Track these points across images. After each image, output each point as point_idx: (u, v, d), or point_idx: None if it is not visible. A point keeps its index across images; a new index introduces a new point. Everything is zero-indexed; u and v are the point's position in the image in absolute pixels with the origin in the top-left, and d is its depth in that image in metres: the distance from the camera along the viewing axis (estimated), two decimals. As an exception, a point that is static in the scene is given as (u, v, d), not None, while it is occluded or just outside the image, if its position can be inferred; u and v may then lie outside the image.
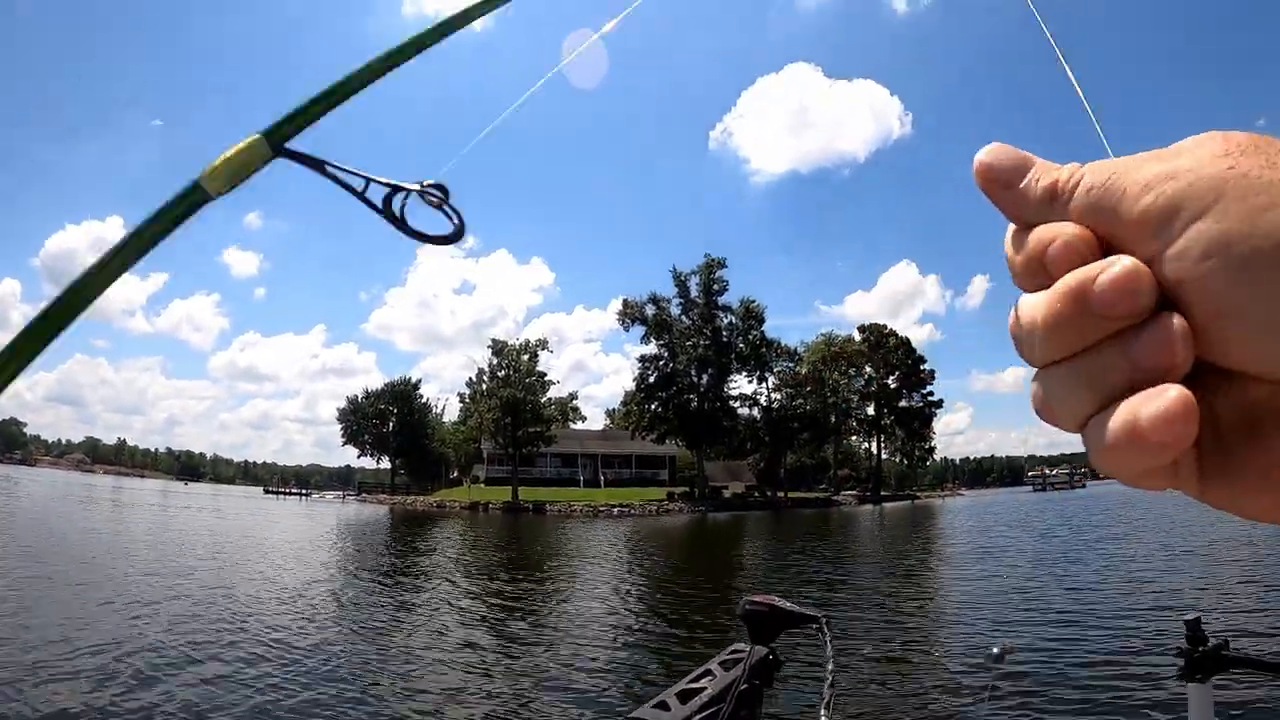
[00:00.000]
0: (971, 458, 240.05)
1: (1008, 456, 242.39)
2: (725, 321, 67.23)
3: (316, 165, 0.56)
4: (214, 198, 0.57)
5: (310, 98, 0.61)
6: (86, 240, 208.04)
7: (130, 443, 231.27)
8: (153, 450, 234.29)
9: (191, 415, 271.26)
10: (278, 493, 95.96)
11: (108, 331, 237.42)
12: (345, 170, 0.55)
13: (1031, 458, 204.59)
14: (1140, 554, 18.65)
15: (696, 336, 65.45)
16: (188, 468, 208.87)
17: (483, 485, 69.91)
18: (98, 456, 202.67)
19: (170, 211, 0.59)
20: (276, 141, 0.56)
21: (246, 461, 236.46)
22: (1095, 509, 41.36)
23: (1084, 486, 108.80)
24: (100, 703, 6.24)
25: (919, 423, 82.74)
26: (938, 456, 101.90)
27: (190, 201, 0.57)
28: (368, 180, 0.55)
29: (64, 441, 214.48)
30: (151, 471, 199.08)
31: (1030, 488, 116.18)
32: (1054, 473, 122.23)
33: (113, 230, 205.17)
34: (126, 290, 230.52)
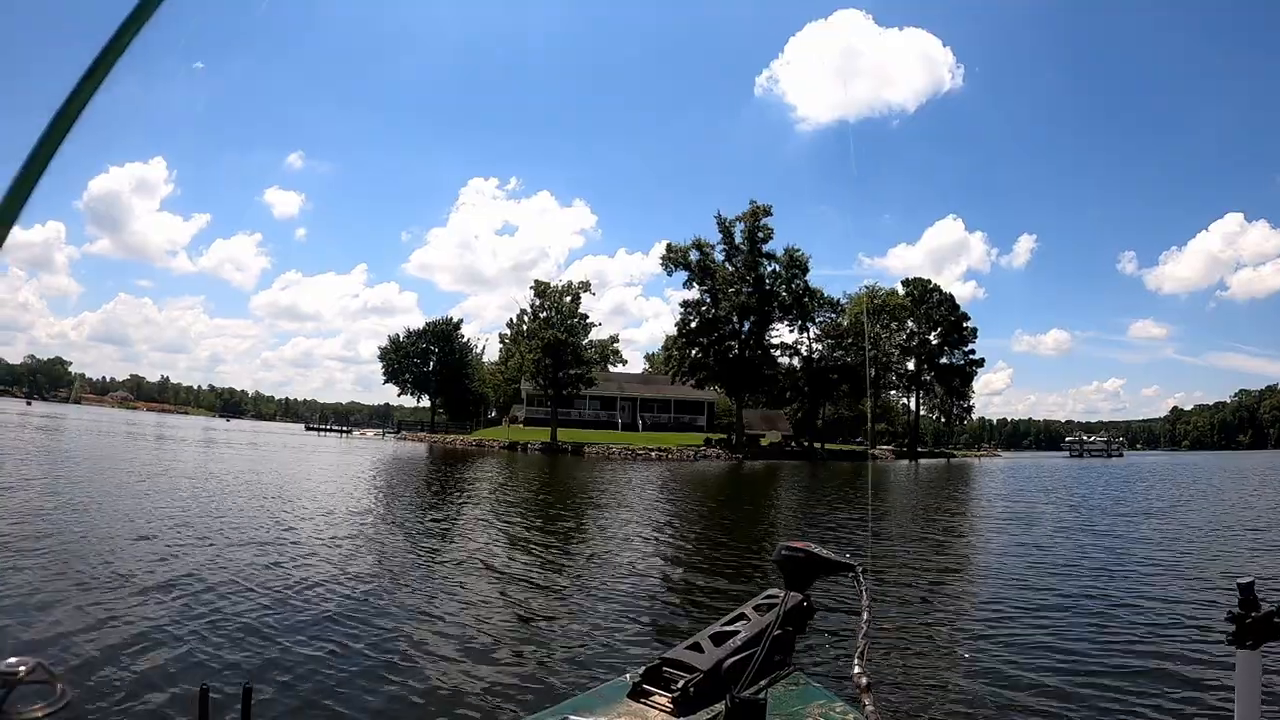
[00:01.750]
0: (1009, 419, 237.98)
1: (1045, 420, 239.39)
2: (769, 269, 66.41)
3: None
4: None
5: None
6: (130, 182, 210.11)
7: (173, 380, 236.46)
8: (195, 387, 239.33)
9: (234, 353, 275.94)
10: (319, 429, 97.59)
11: (151, 271, 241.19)
12: None
13: (1069, 423, 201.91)
14: (1191, 522, 18.37)
15: (739, 283, 64.87)
16: (230, 405, 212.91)
17: (521, 426, 70.57)
18: (141, 394, 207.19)
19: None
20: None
21: (288, 399, 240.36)
22: (1136, 477, 40.70)
23: (1121, 456, 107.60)
24: (136, 631, 6.29)
25: (959, 380, 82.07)
26: (975, 416, 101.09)
27: None
28: None
29: (109, 379, 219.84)
30: (194, 408, 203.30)
31: (1067, 453, 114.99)
32: (1092, 439, 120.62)
33: (156, 171, 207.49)
34: (170, 230, 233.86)
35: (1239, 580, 1.55)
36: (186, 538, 10.88)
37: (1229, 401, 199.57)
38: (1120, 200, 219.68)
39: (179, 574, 8.52)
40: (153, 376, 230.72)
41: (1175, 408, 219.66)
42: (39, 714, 0.78)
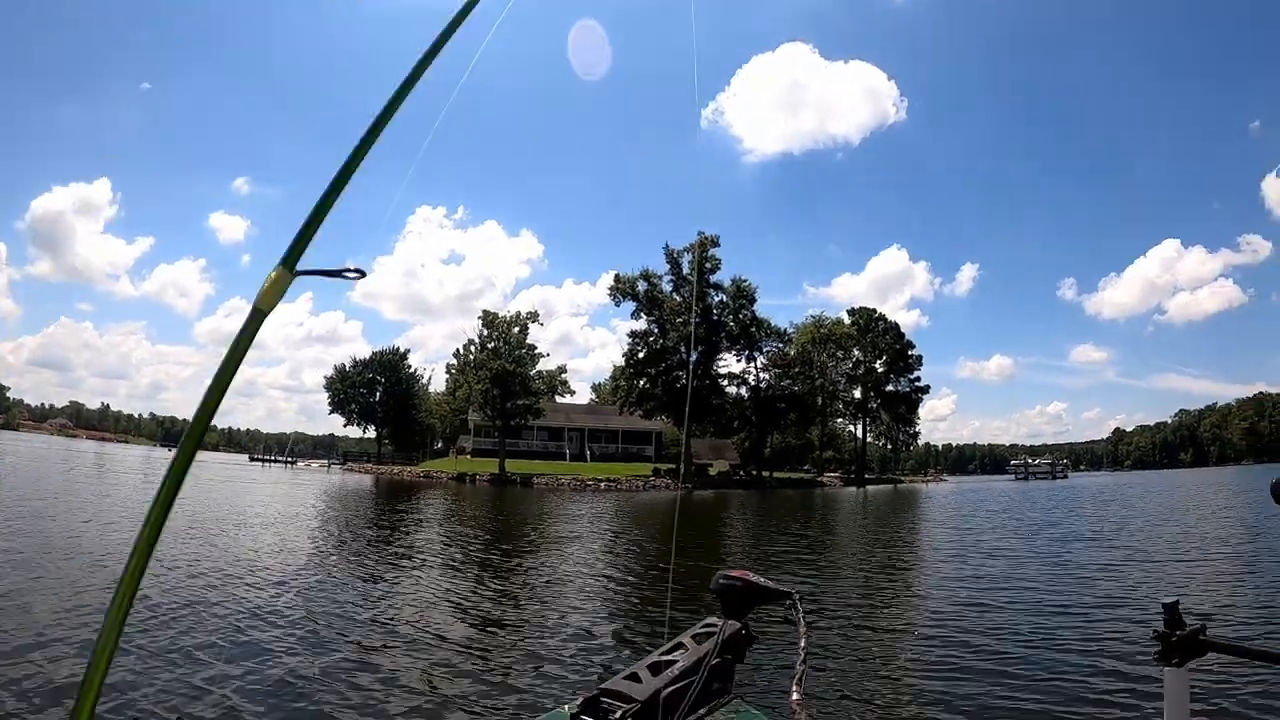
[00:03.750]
0: (954, 444, 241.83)
1: (990, 444, 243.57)
2: (716, 300, 67.21)
3: (327, 274, 1.03)
4: (267, 313, 0.98)
5: (305, 222, 1.01)
6: (73, 202, 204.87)
7: (114, 408, 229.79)
8: (137, 415, 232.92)
9: (176, 381, 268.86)
10: (263, 460, 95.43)
11: (93, 295, 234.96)
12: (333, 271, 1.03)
13: (1014, 446, 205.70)
14: (1120, 542, 18.73)
15: (687, 314, 65.37)
16: (172, 434, 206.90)
17: (469, 456, 69.82)
18: (81, 421, 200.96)
19: (245, 336, 0.98)
20: (292, 266, 0.99)
21: (230, 428, 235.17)
22: (1077, 499, 41.45)
23: (1065, 477, 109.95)
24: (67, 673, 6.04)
25: (905, 407, 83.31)
26: (920, 442, 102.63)
27: (255, 324, 0.98)
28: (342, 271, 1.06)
29: (47, 406, 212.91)
30: (135, 437, 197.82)
31: (1012, 476, 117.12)
32: (1036, 462, 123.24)
33: (100, 192, 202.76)
34: (112, 253, 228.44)
35: (1164, 600, 1.56)
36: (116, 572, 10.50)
37: (1169, 421, 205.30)
38: (1060, 229, 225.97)
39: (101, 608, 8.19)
40: (93, 403, 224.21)
41: (1117, 429, 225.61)
42: None
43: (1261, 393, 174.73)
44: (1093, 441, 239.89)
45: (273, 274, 0.98)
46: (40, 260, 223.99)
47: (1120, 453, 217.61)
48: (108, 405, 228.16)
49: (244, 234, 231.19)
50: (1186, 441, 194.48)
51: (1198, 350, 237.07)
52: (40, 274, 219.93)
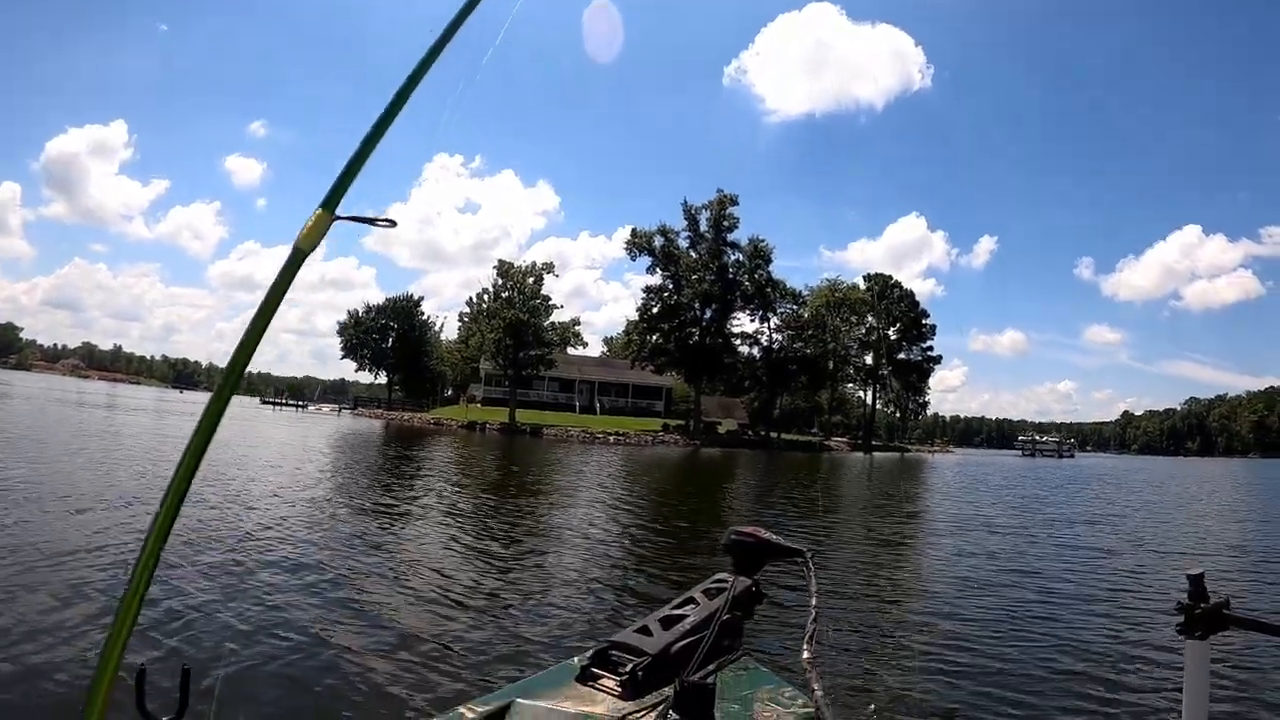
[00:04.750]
0: (962, 416, 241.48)
1: (998, 419, 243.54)
2: (732, 258, 67.06)
3: (363, 221, 1.10)
4: (308, 254, 1.03)
5: (345, 168, 1.06)
6: (88, 144, 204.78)
7: (126, 349, 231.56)
8: (148, 357, 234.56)
9: (189, 323, 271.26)
10: (274, 403, 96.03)
11: (106, 236, 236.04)
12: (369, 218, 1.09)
13: (1022, 422, 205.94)
14: (1139, 519, 18.71)
15: (703, 271, 65.20)
16: (183, 375, 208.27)
17: (479, 405, 70.16)
18: (93, 362, 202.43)
19: (285, 276, 1.02)
20: (332, 210, 1.05)
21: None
22: (1086, 479, 41.20)
23: (1072, 457, 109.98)
24: (77, 616, 5.98)
25: (916, 376, 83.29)
26: (929, 412, 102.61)
27: (296, 263, 1.03)
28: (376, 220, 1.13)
29: (60, 347, 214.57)
30: (146, 378, 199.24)
31: (1019, 452, 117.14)
32: (1044, 440, 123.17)
33: (116, 134, 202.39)
34: (127, 195, 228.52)
35: (1189, 571, 1.54)
36: (126, 513, 10.36)
37: (1179, 408, 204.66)
38: (1081, 207, 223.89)
39: (113, 549, 8.13)
40: (105, 344, 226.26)
41: (1126, 412, 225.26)
42: None
43: (1273, 386, 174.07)
44: (1101, 423, 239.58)
45: (314, 215, 1.03)
46: (55, 201, 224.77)
47: (1128, 436, 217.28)
48: (120, 346, 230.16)
49: (259, 177, 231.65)
50: (1194, 430, 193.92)
51: (1212, 339, 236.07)
52: (55, 215, 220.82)
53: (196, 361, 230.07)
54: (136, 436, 24.50)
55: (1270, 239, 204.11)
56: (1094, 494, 27.74)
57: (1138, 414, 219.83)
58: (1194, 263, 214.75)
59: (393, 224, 1.13)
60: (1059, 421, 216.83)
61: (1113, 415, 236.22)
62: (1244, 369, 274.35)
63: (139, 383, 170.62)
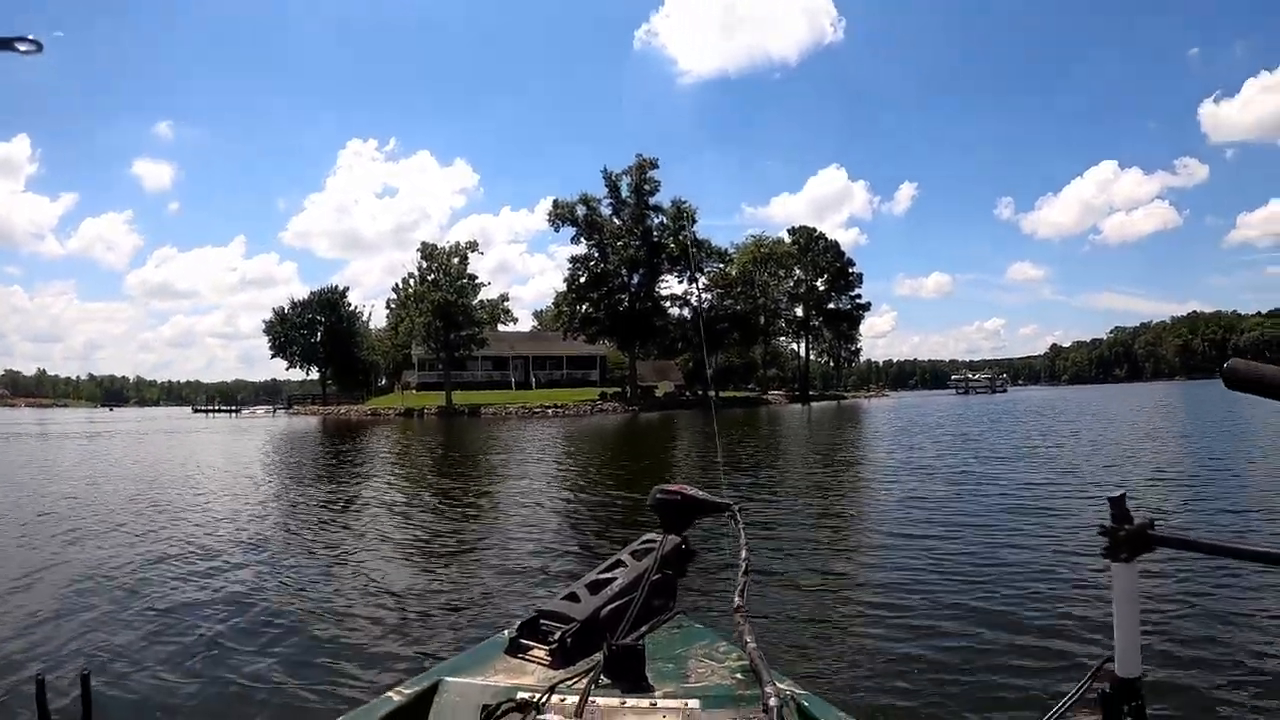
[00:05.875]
0: (894, 360, 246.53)
1: (930, 360, 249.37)
2: (656, 222, 66.92)
3: None
4: None
5: None
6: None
7: (50, 371, 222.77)
8: (75, 377, 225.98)
9: (111, 338, 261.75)
10: (206, 411, 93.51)
11: (17, 258, 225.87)
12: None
13: (953, 362, 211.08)
14: (1063, 446, 19.00)
15: (627, 237, 65.13)
16: (112, 393, 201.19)
17: (414, 391, 69.42)
18: (18, 389, 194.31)
19: None
20: None
21: (170, 381, 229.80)
22: (1017, 412, 41.75)
23: (1005, 391, 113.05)
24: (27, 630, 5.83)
25: (846, 324, 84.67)
26: (862, 358, 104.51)
27: None
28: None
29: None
30: (74, 400, 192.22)
31: (953, 391, 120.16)
32: (976, 377, 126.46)
33: (18, 149, 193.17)
34: (35, 212, 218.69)
35: (1109, 494, 1.48)
36: (50, 529, 10.15)
37: (1105, 338, 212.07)
38: (998, 149, 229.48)
39: (38, 564, 7.99)
40: (28, 370, 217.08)
41: (1054, 344, 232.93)
42: None
43: (1194, 311, 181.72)
44: (1030, 357, 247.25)
45: None
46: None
47: (1057, 368, 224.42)
48: (44, 370, 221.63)
49: (170, 180, 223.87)
50: (1121, 358, 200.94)
51: (1133, 269, 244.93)
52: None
53: (124, 376, 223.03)
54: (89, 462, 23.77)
55: (1185, 169, 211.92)
56: (1028, 427, 27.92)
57: (1065, 345, 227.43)
58: (1111, 197, 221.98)
59: (38, 47, 0.92)
60: (989, 359, 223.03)
61: (1041, 349, 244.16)
62: (1166, 296, 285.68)
63: (67, 405, 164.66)
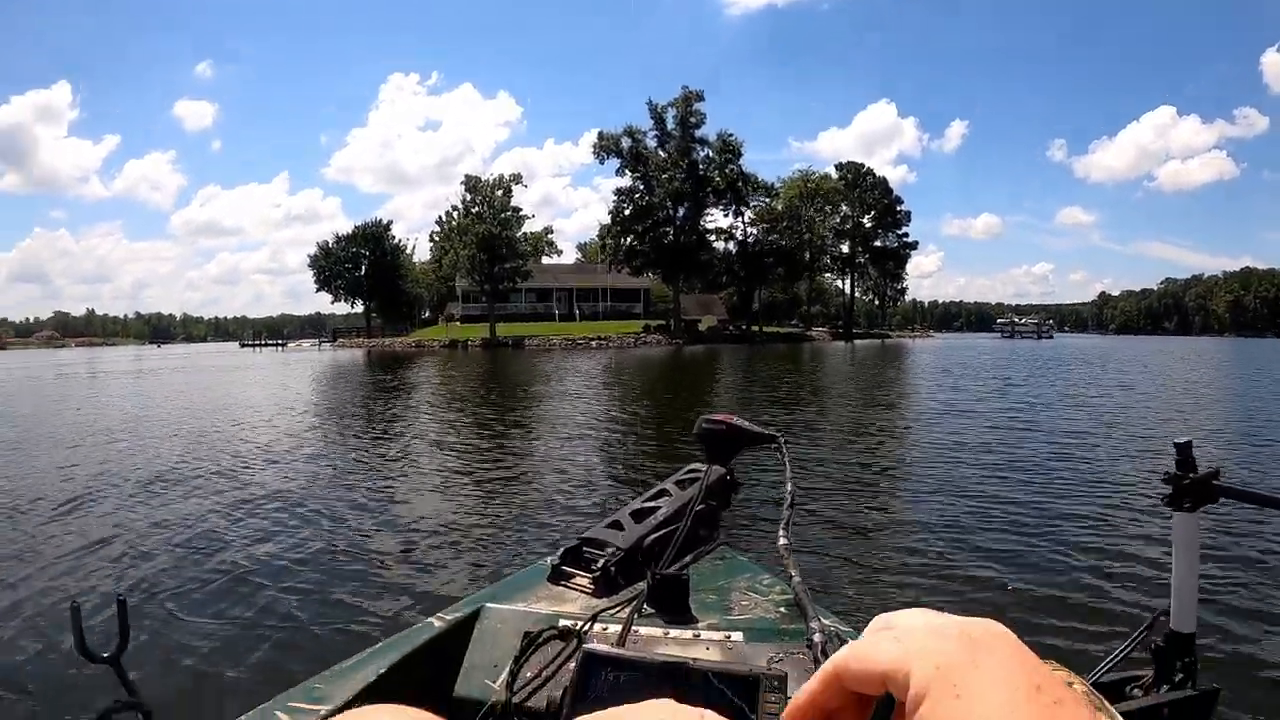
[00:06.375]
0: (940, 301, 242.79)
1: (976, 302, 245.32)
2: (702, 155, 66.22)
3: None
4: None
5: None
6: (32, 110, 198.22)
7: (99, 312, 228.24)
8: (122, 317, 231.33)
9: (158, 277, 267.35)
10: (254, 345, 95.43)
11: (63, 201, 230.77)
12: None
13: (999, 305, 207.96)
14: (1121, 396, 18.32)
15: (673, 169, 64.46)
16: (159, 330, 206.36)
17: (459, 323, 70.01)
18: (68, 330, 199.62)
19: None
20: None
21: (217, 318, 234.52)
22: (1070, 357, 40.78)
23: (1051, 338, 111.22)
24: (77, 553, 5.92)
25: (893, 263, 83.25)
26: (907, 298, 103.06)
27: None
28: None
29: (32, 320, 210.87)
30: (123, 338, 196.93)
31: (999, 334, 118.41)
32: (1023, 321, 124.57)
33: (60, 96, 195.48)
34: (79, 156, 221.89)
35: (1175, 440, 1.47)
36: (92, 461, 10.21)
37: (1155, 289, 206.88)
38: (1053, 89, 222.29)
39: (89, 489, 8.12)
40: (77, 311, 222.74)
41: (1103, 293, 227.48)
42: None
43: (1248, 267, 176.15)
44: (1078, 304, 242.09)
45: None
46: (6, 174, 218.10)
47: (1105, 316, 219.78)
48: (92, 310, 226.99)
49: (212, 119, 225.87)
50: (1171, 310, 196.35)
51: (1186, 220, 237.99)
52: (7, 187, 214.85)
53: (170, 314, 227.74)
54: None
55: (1244, 120, 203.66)
56: (1079, 376, 27.15)
57: (1114, 294, 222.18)
58: (1167, 143, 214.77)
59: None
60: (1036, 303, 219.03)
61: (1089, 296, 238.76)
62: (1219, 250, 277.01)
63: (115, 344, 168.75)
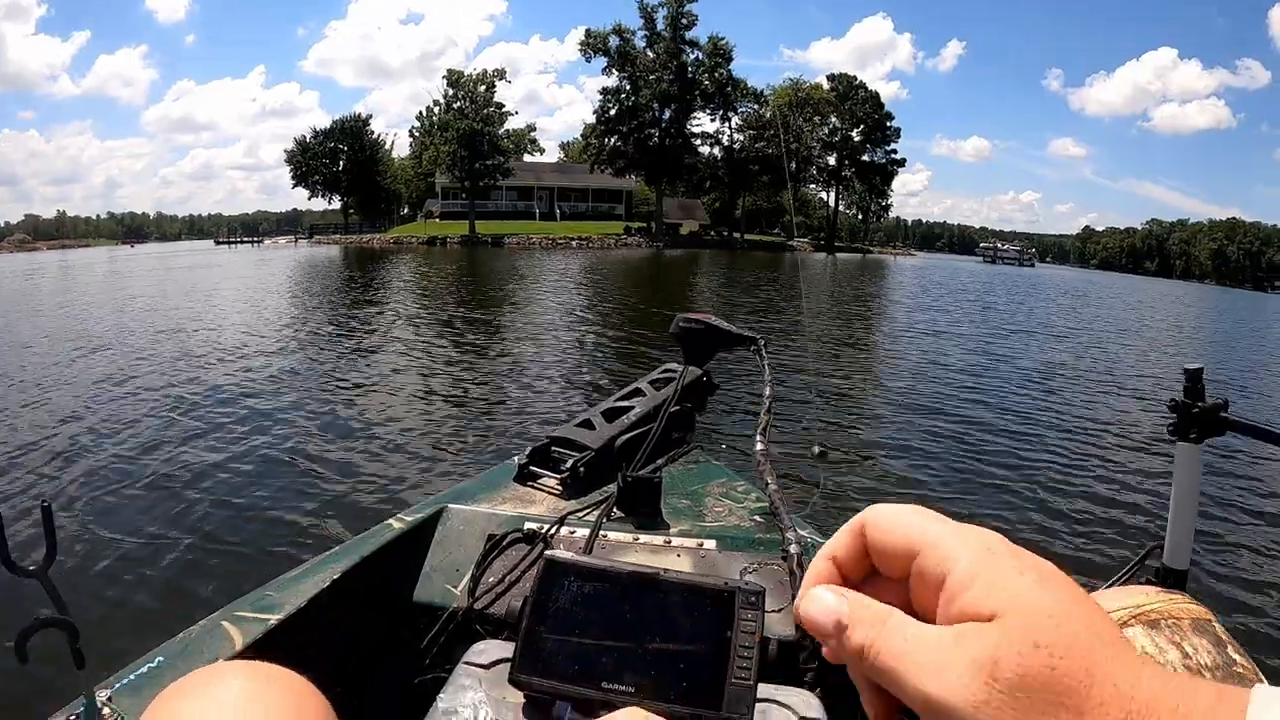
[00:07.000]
0: (924, 221, 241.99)
1: (960, 225, 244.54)
2: (691, 57, 64.83)
3: None
4: None
5: None
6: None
7: (70, 213, 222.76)
8: (95, 217, 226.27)
9: (130, 175, 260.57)
10: (229, 242, 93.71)
11: (32, 100, 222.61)
12: None
13: (983, 229, 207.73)
14: (1115, 323, 18.48)
15: (661, 70, 63.11)
16: (133, 230, 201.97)
17: (438, 220, 69.17)
18: (39, 233, 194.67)
19: None
20: None
21: (192, 216, 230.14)
22: (1051, 287, 40.91)
23: (1033, 266, 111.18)
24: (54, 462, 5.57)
25: (879, 179, 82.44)
26: (891, 215, 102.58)
27: None
28: None
29: (3, 225, 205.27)
30: (96, 239, 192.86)
31: (980, 259, 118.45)
32: (1005, 248, 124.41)
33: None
34: (47, 53, 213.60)
35: (1186, 366, 1.38)
36: (74, 353, 10.22)
37: (1140, 228, 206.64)
38: (1054, 17, 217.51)
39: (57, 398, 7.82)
40: (48, 213, 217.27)
41: (1088, 226, 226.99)
42: None
43: (1235, 218, 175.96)
44: (1062, 235, 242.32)
45: None
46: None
47: (1088, 250, 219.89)
48: (64, 211, 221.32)
49: (184, 11, 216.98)
50: (1154, 251, 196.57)
51: (1179, 164, 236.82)
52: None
53: (144, 213, 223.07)
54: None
55: (1246, 71, 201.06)
56: (1063, 306, 27.13)
57: (1099, 230, 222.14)
58: (1166, 85, 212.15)
59: None
60: (1020, 231, 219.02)
61: (1073, 229, 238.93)
62: (1209, 197, 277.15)
63: (88, 245, 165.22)
